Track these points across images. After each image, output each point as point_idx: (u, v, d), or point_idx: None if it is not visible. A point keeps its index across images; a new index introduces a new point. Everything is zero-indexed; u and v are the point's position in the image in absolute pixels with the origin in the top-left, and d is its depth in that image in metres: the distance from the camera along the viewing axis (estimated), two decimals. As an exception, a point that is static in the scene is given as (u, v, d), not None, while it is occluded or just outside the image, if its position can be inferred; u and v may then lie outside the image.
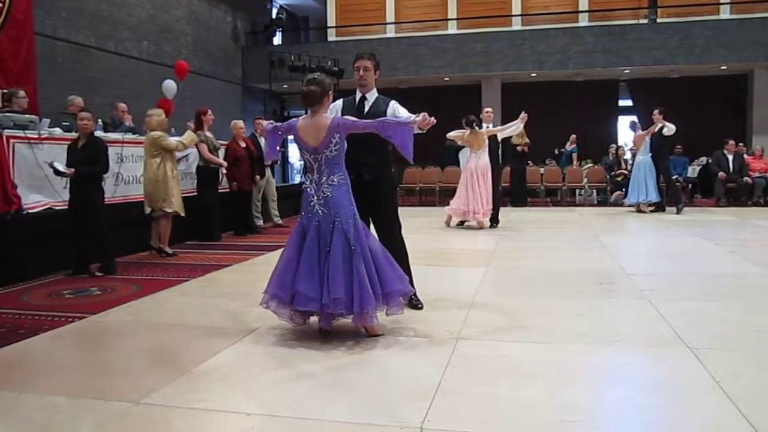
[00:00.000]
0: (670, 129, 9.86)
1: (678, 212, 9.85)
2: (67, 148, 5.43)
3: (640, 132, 10.36)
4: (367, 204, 3.68)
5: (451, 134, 8.48)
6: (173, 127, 7.58)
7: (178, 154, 6.59)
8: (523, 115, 8.15)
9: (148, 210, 6.24)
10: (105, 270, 5.34)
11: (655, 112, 10.08)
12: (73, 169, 5.19)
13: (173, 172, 6.29)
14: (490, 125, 8.64)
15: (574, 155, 13.76)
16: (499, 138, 8.83)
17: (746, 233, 8.07)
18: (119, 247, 6.30)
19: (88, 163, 5.25)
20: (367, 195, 3.67)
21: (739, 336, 3.34)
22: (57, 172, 5.25)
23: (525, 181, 12.41)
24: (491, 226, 8.43)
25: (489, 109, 8.86)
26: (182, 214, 6.40)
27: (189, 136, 6.51)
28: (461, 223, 8.59)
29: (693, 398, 2.50)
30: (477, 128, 8.26)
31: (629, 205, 10.64)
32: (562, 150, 13.91)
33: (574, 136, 13.83)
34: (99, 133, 6.90)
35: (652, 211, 10.13)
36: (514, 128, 8.48)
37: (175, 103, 8.85)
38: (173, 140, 6.30)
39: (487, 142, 8.32)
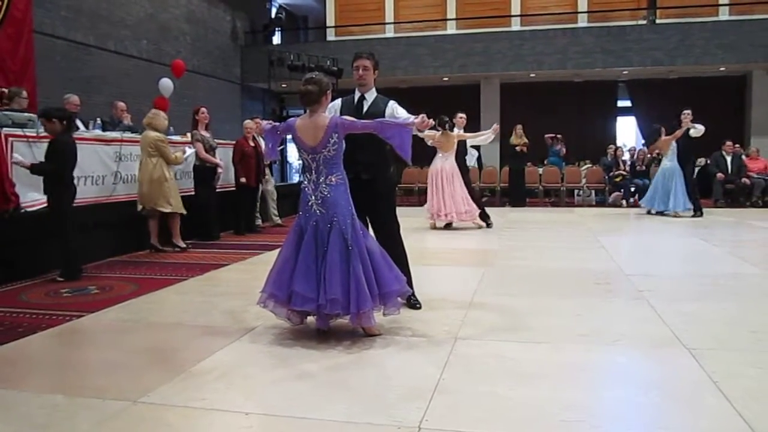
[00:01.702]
0: (698, 130, 9.40)
1: (695, 215, 9.58)
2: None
3: (665, 137, 9.77)
4: (366, 203, 3.68)
5: (423, 134, 8.45)
6: (171, 126, 7.57)
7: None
8: (495, 126, 8.57)
9: (139, 208, 6.26)
10: (65, 275, 5.03)
11: (686, 112, 9.54)
12: (29, 162, 5.02)
13: (170, 173, 6.34)
14: (462, 130, 8.69)
15: (564, 152, 13.68)
16: (469, 144, 8.90)
17: (745, 234, 8.09)
18: (119, 245, 6.33)
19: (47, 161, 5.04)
20: (365, 194, 3.66)
21: (738, 336, 3.34)
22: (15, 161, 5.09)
23: (524, 182, 12.42)
24: (487, 227, 8.43)
25: (462, 115, 8.92)
26: (183, 212, 6.51)
27: (180, 157, 6.54)
28: (448, 225, 8.51)
29: (691, 398, 2.51)
30: (449, 131, 8.28)
31: (658, 212, 9.82)
32: (556, 137, 13.64)
33: (560, 135, 13.71)
34: (97, 132, 6.93)
35: (693, 216, 9.55)
36: (485, 138, 8.72)
37: (171, 102, 8.85)
38: (172, 153, 6.34)
39: (455, 146, 8.35)
